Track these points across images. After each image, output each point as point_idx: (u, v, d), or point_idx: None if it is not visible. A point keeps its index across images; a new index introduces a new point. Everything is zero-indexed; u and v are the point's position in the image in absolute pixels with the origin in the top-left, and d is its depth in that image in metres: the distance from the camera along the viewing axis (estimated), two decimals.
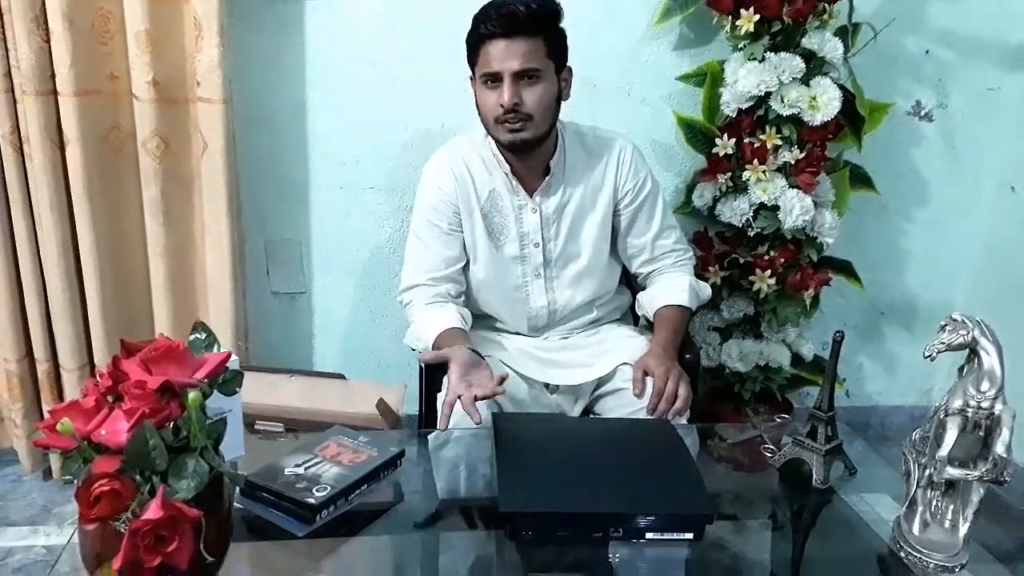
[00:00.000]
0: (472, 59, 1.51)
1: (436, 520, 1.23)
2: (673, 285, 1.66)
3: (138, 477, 0.82)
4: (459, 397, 1.34)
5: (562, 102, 1.55)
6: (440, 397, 1.50)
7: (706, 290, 1.73)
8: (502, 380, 1.38)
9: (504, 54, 1.44)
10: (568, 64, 1.54)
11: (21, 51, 1.71)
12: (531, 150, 1.54)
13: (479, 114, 1.54)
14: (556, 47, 1.50)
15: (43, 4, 1.70)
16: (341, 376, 1.99)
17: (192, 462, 0.85)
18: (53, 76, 1.74)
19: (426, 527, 1.21)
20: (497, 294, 1.66)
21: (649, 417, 1.45)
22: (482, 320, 1.68)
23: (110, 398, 0.88)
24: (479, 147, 1.62)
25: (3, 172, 1.82)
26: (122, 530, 0.78)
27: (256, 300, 2.14)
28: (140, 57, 1.76)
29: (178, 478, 0.83)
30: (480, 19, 1.47)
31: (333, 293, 2.21)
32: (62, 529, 1.91)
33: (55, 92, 1.76)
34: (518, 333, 1.69)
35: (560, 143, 1.59)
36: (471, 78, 1.55)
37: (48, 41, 1.72)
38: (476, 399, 1.32)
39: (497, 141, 1.55)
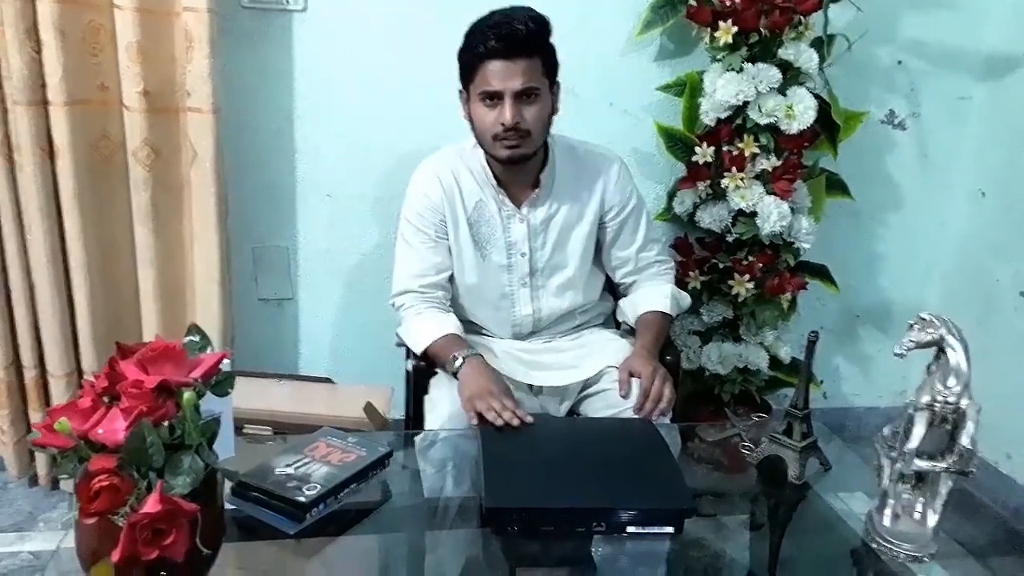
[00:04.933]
0: (467, 77, 1.51)
1: (423, 518, 1.26)
2: (655, 292, 1.70)
3: (135, 473, 0.84)
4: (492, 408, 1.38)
5: (553, 116, 1.57)
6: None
7: (686, 299, 1.77)
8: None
9: (505, 74, 1.45)
10: (557, 79, 1.57)
11: (12, 61, 1.72)
12: (524, 163, 1.57)
13: (473, 129, 1.56)
14: (550, 64, 1.53)
15: (35, 16, 1.71)
16: (328, 380, 2.01)
17: (188, 459, 0.87)
18: (44, 86, 1.76)
19: (414, 525, 1.24)
20: (483, 302, 1.69)
21: (632, 417, 1.48)
22: (466, 325, 1.71)
23: (106, 398, 0.90)
24: (468, 157, 1.64)
25: None
26: (120, 524, 0.80)
27: (243, 306, 2.16)
28: (131, 68, 1.78)
29: (174, 474, 0.86)
30: (478, 39, 1.47)
31: (320, 299, 2.23)
32: (47, 534, 1.91)
33: (46, 102, 1.77)
34: (501, 338, 1.72)
35: (551, 156, 1.63)
36: (461, 92, 1.57)
37: (39, 52, 1.73)
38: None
39: (492, 156, 1.57)
